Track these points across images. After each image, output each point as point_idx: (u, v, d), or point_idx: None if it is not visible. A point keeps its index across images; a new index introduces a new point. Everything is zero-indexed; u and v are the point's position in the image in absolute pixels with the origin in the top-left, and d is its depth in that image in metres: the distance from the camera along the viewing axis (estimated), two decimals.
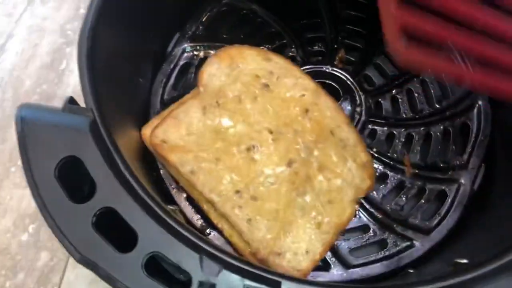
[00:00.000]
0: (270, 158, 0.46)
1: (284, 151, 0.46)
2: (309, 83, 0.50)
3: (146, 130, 0.48)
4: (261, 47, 0.57)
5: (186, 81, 0.56)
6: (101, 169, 0.34)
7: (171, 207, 0.39)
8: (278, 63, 0.50)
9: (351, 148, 0.49)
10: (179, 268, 0.32)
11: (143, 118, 0.53)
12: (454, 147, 0.54)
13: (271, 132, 0.47)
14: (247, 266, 0.33)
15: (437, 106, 0.55)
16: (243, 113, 0.47)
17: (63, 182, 0.33)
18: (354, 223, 0.51)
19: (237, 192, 0.45)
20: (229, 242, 0.46)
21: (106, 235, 0.33)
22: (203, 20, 0.58)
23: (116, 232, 0.33)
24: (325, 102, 0.50)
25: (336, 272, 0.48)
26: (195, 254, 0.32)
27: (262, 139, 0.46)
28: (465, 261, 0.38)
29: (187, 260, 0.32)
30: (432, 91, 0.56)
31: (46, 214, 0.32)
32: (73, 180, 0.34)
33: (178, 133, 0.45)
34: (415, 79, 0.56)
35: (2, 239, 0.55)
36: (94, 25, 0.40)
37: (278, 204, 0.45)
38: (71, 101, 0.36)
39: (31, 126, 0.34)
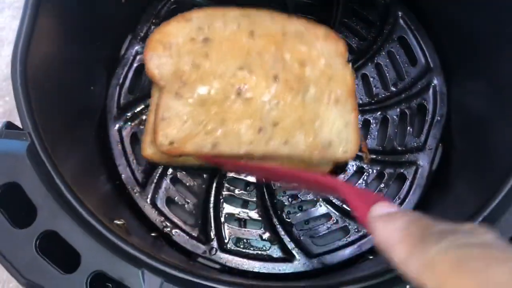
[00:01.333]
0: (259, 87, 0.47)
1: (263, 73, 0.48)
2: (234, 12, 0.51)
3: (146, 151, 0.49)
4: None
5: (142, 84, 0.56)
6: (40, 192, 0.34)
7: (118, 222, 0.40)
8: (199, 16, 0.50)
9: (307, 32, 0.50)
10: (122, 284, 0.33)
11: (99, 124, 0.53)
12: (411, 129, 0.54)
13: (242, 69, 0.48)
14: (190, 276, 0.34)
15: (393, 89, 0.55)
16: (209, 73, 0.48)
17: (5, 208, 0.34)
18: (315, 212, 0.52)
19: (260, 130, 0.46)
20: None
21: (51, 256, 0.34)
22: (154, 19, 0.57)
23: (61, 251, 0.34)
24: (259, 16, 0.51)
25: (299, 263, 0.50)
26: (136, 270, 0.33)
27: (240, 78, 0.47)
28: None
29: (129, 276, 0.33)
30: (387, 74, 0.56)
31: None
32: (15, 205, 0.35)
33: (176, 127, 0.46)
34: (369, 63, 0.56)
35: None
36: (28, 40, 0.39)
37: (295, 113, 0.47)
38: (8, 126, 0.37)
39: None
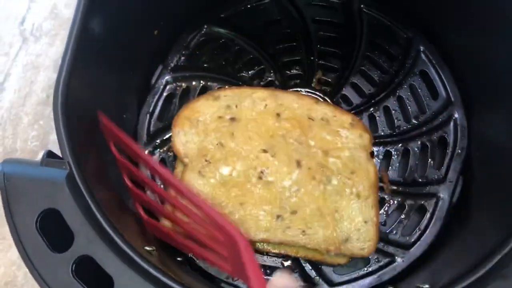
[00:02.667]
0: (281, 171, 0.48)
1: (287, 158, 0.48)
2: (263, 92, 0.52)
3: (165, 223, 0.49)
4: (240, 74, 0.59)
5: (171, 112, 0.58)
6: (78, 219, 0.36)
7: (148, 248, 0.42)
8: (227, 95, 0.52)
9: (333, 119, 0.51)
10: None
11: None
12: (432, 161, 0.55)
13: (266, 151, 0.49)
14: None
15: (414, 121, 0.56)
16: (233, 153, 0.49)
17: (44, 233, 0.36)
18: None
19: (278, 217, 0.47)
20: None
21: (86, 280, 0.35)
22: (184, 51, 0.60)
23: (95, 276, 0.36)
24: (286, 98, 0.52)
25: None
26: None
27: (263, 161, 0.48)
28: (427, 286, 0.40)
29: None
30: (408, 107, 0.57)
31: (29, 265, 0.35)
32: (54, 230, 0.37)
33: None
34: (391, 96, 0.57)
35: (8, 272, 0.59)
36: (68, 75, 0.41)
37: (315, 203, 0.48)
38: (50, 154, 0.39)
39: (12, 181, 0.37)
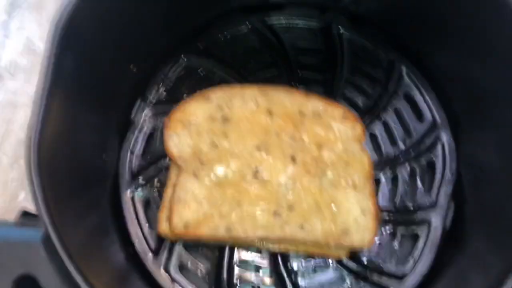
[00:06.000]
0: (276, 168, 0.48)
1: (281, 155, 0.48)
2: (253, 90, 0.51)
3: (162, 227, 0.49)
4: None
5: (153, 148, 0.57)
6: (55, 284, 0.35)
7: None
8: (217, 95, 0.51)
9: (324, 113, 0.51)
10: None
11: (112, 191, 0.54)
12: (422, 186, 0.54)
13: (259, 149, 0.49)
14: None
15: (402, 146, 0.55)
16: (227, 153, 0.49)
17: None
18: (330, 275, 0.52)
19: (275, 214, 0.47)
20: None
21: None
22: (163, 83, 0.59)
23: None
24: (277, 94, 0.51)
25: None
26: None
27: (258, 159, 0.48)
28: None
29: None
30: (395, 131, 0.56)
31: None
32: None
33: (191, 210, 0.47)
34: (376, 121, 0.56)
35: None
36: (42, 123, 0.40)
37: (312, 197, 0.47)
38: (24, 214, 0.37)
39: None
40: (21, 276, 0.35)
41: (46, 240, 0.36)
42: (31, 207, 0.38)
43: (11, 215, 0.62)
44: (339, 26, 0.59)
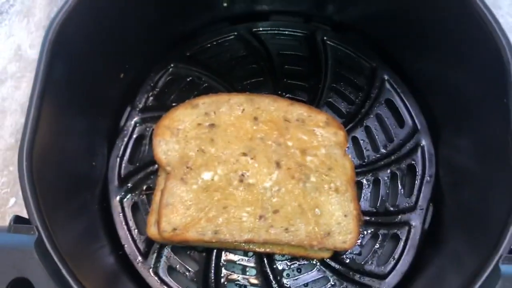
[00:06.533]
0: (261, 173, 0.50)
1: (266, 160, 0.50)
2: (239, 98, 0.53)
3: (151, 231, 0.50)
4: None
5: (142, 154, 0.58)
6: (48, 286, 0.36)
7: None
8: (204, 102, 0.53)
9: (308, 119, 0.52)
10: None
11: (101, 197, 0.55)
12: (402, 190, 0.56)
13: (245, 155, 0.50)
14: None
15: (383, 151, 0.57)
16: (214, 158, 0.50)
17: None
18: (314, 275, 0.53)
19: (260, 217, 0.48)
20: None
21: None
22: (152, 91, 0.60)
23: None
24: (262, 101, 0.53)
25: None
26: None
27: (244, 164, 0.50)
28: None
29: None
30: (376, 136, 0.58)
31: None
32: None
33: (179, 214, 0.48)
34: (359, 126, 0.58)
35: None
36: (33, 132, 0.41)
37: (296, 200, 0.49)
38: (17, 220, 0.38)
39: None
40: (15, 279, 0.36)
41: (39, 244, 0.37)
42: (22, 213, 0.39)
43: (2, 221, 0.63)
44: (323, 34, 0.61)
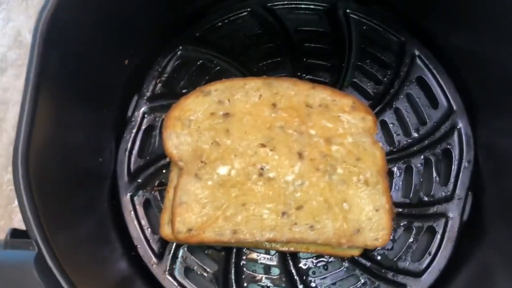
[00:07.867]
0: (282, 165, 0.45)
1: (287, 151, 0.45)
2: (255, 82, 0.48)
3: (165, 231, 0.47)
4: None
5: (152, 146, 0.54)
6: None
7: None
8: (217, 89, 0.48)
9: (332, 104, 0.48)
10: None
11: (110, 194, 0.51)
12: (437, 177, 0.51)
13: (264, 146, 0.46)
14: None
15: (415, 135, 0.52)
16: (230, 151, 0.46)
17: None
18: (342, 274, 0.49)
19: (283, 214, 0.44)
20: None
21: None
22: (160, 77, 0.55)
23: None
24: (281, 85, 0.48)
25: None
26: None
27: (263, 156, 0.45)
28: None
29: None
30: (407, 119, 0.53)
31: None
32: None
33: (194, 213, 0.45)
34: (387, 109, 0.53)
35: None
36: (29, 130, 0.38)
37: (321, 195, 0.45)
38: (13, 233, 0.35)
39: None
40: None
41: (39, 261, 0.33)
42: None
43: (8, 221, 0.60)
44: (345, 7, 0.56)
